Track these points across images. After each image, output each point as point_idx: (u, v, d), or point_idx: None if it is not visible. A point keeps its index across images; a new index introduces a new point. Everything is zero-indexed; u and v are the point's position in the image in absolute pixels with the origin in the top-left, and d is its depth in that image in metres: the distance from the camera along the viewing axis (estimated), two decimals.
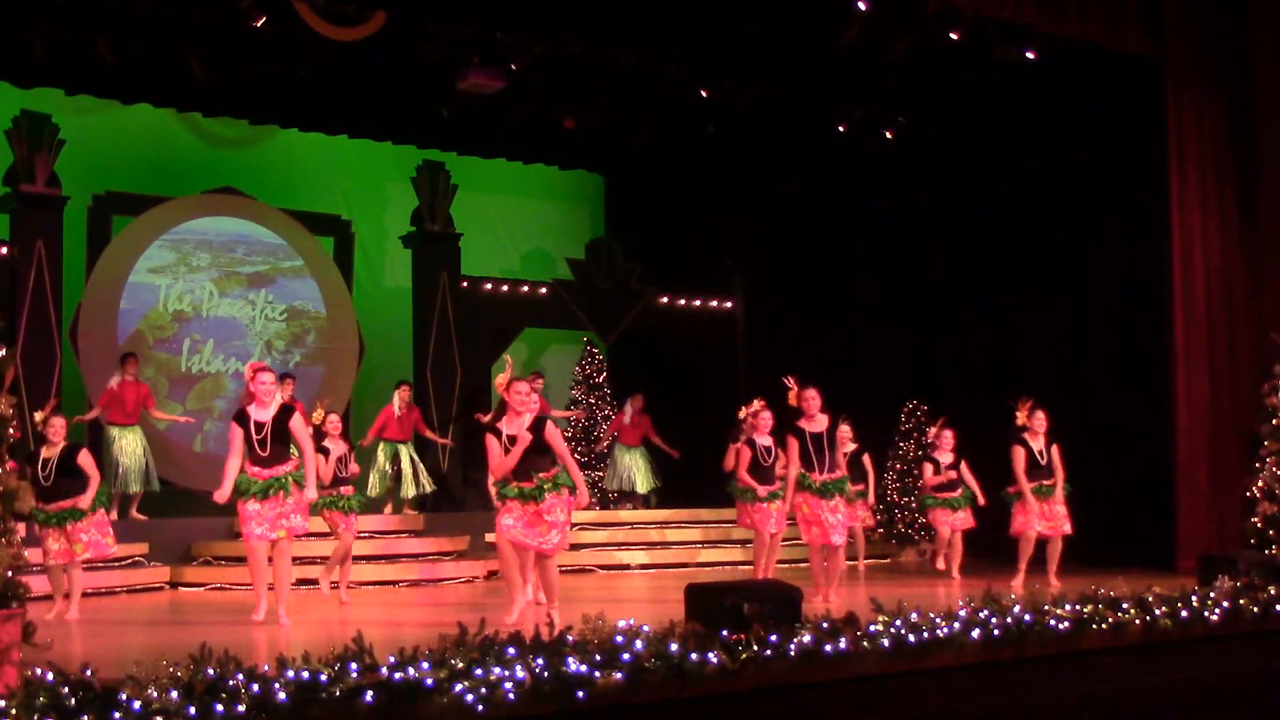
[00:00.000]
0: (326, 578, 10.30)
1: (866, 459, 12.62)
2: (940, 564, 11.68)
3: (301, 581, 10.35)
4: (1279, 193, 12.22)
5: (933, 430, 12.06)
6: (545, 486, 8.06)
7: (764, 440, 10.31)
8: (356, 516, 10.30)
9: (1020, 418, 10.82)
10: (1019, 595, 7.84)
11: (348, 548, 10.13)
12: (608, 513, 14.65)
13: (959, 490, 11.55)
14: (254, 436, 8.39)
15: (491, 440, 8.20)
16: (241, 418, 8.47)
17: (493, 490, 8.50)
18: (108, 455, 12.45)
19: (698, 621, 6.33)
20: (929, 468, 11.71)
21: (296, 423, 8.53)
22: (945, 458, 11.61)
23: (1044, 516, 10.75)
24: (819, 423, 9.78)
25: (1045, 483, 10.72)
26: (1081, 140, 13.20)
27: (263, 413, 8.48)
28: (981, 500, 11.59)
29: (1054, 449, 10.82)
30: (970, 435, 11.92)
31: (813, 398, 9.71)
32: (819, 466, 9.67)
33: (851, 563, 12.90)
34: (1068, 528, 10.82)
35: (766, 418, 10.37)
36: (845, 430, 12.50)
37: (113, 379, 12.70)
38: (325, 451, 10.13)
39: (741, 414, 10.64)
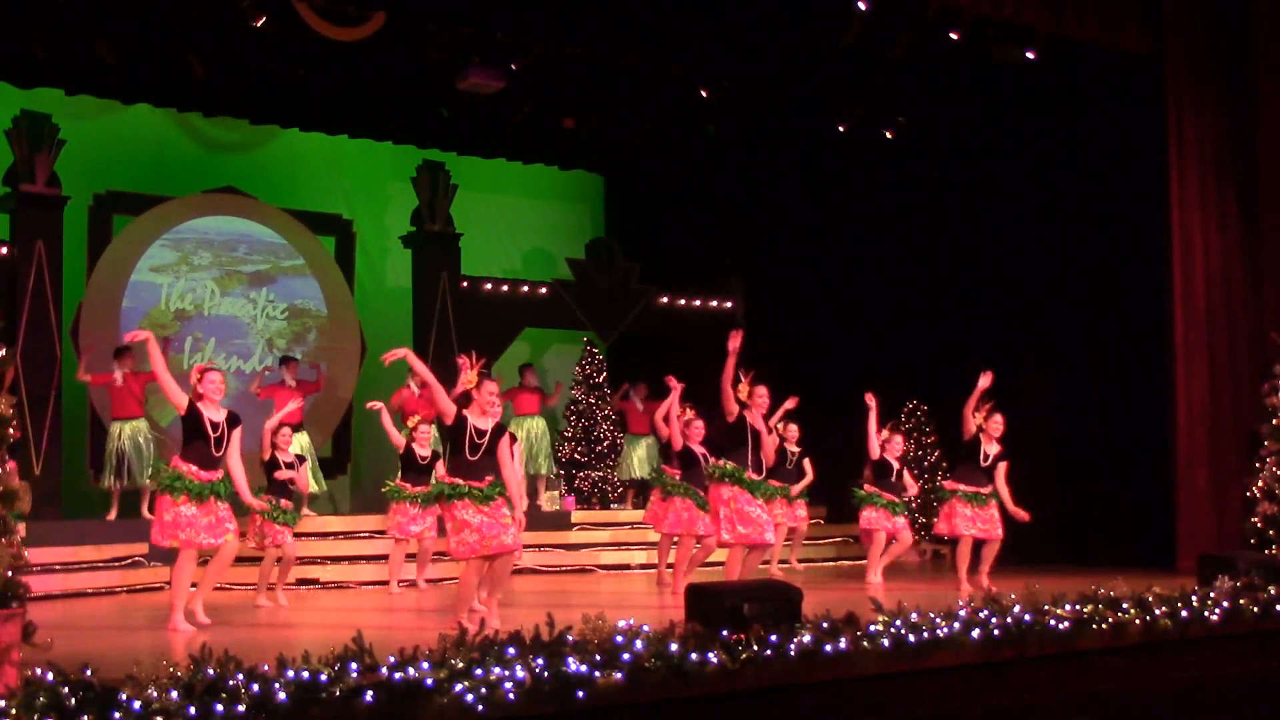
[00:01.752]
0: (262, 590, 10.05)
1: (808, 463, 12.58)
2: (874, 574, 11.11)
3: (301, 581, 10.34)
4: (1279, 193, 12.22)
5: (884, 433, 11.67)
6: (496, 492, 7.92)
7: (700, 449, 10.44)
8: (290, 530, 9.96)
9: (979, 418, 10.70)
10: (1019, 595, 7.84)
11: (272, 560, 9.98)
12: (607, 513, 14.65)
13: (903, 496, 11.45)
14: (210, 435, 8.25)
15: (454, 421, 8.00)
16: (193, 409, 8.26)
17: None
18: (113, 447, 12.57)
19: (698, 621, 6.33)
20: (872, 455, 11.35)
21: (237, 435, 8.42)
22: (893, 463, 11.33)
23: (978, 520, 10.51)
24: (761, 424, 9.79)
25: (981, 491, 10.48)
26: (1082, 140, 13.19)
27: (215, 413, 8.36)
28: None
29: (1002, 465, 10.49)
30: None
31: (762, 396, 9.71)
32: (753, 465, 9.61)
33: (785, 565, 12.62)
34: (1000, 531, 10.53)
35: (699, 426, 10.56)
36: (792, 430, 12.43)
37: (115, 374, 12.67)
38: (274, 461, 9.97)
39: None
